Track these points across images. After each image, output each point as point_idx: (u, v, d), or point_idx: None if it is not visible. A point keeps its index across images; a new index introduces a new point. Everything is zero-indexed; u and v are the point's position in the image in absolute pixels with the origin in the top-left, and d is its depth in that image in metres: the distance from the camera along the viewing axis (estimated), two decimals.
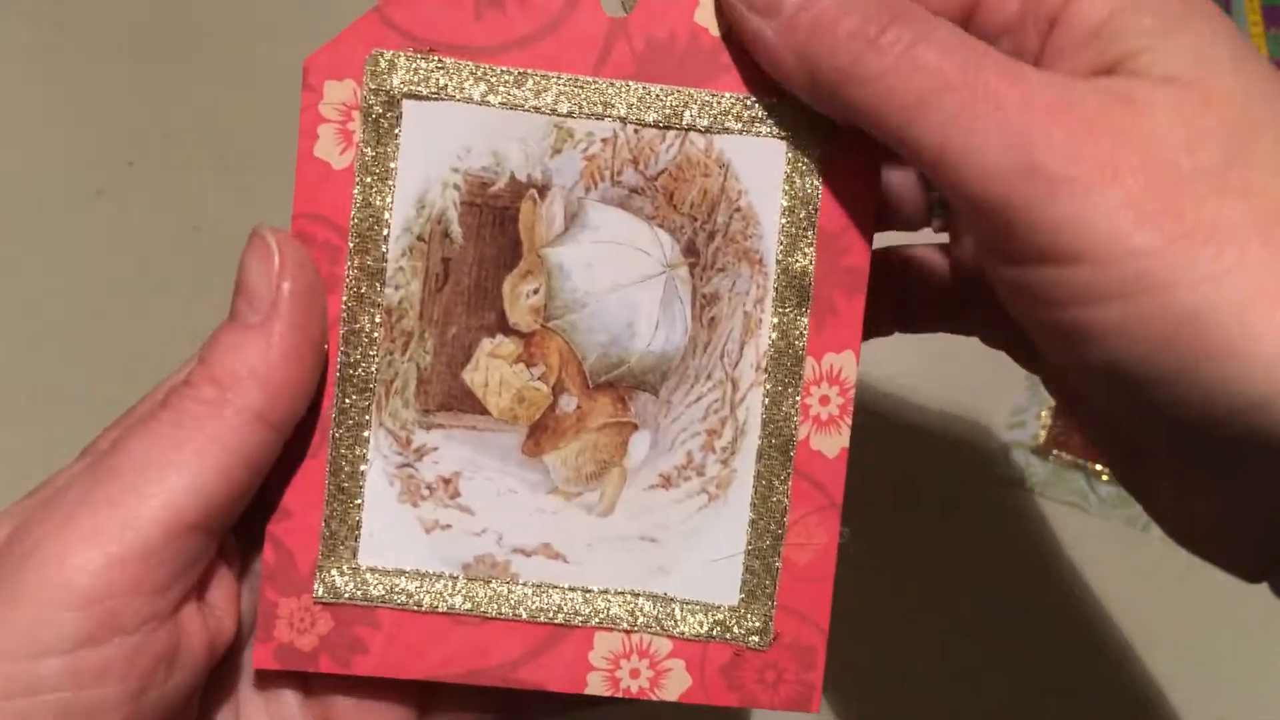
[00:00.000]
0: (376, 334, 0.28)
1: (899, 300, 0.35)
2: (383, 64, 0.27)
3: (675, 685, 0.29)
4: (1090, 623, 0.48)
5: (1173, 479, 0.27)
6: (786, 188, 0.28)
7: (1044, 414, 0.50)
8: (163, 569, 0.24)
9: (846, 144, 0.28)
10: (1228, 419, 0.22)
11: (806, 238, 0.28)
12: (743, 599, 0.29)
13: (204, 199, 0.51)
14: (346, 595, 0.28)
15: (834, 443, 0.28)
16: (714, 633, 0.28)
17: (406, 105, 0.27)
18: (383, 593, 0.28)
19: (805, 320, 0.28)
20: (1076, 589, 0.48)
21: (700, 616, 0.28)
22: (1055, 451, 0.49)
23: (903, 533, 0.48)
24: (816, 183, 0.28)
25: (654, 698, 0.28)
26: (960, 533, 0.48)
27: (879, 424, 0.50)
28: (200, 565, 0.26)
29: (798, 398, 0.28)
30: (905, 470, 0.49)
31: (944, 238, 0.35)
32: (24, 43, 0.52)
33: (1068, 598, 0.48)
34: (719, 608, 0.29)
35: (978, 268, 0.31)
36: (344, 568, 0.28)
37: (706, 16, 0.27)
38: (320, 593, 0.28)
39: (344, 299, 0.27)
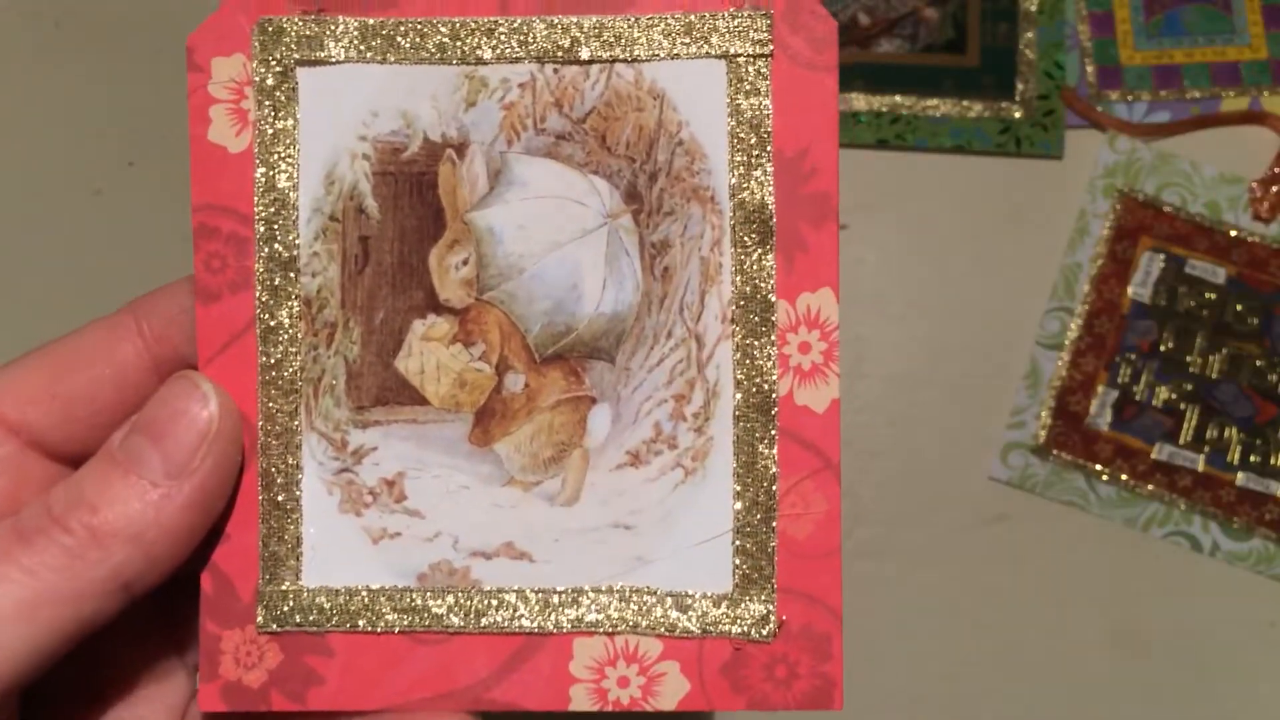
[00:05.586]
0: (297, 329, 0.25)
1: None
2: (270, 31, 0.25)
3: (672, 692, 0.25)
4: (1089, 622, 0.48)
5: None
6: (731, 112, 0.25)
7: (1044, 414, 0.49)
8: None
9: (793, 54, 0.24)
10: None
11: (761, 166, 0.25)
12: (737, 584, 0.25)
13: None
14: (294, 622, 0.25)
15: (822, 395, 0.25)
16: (709, 627, 0.25)
17: (301, 74, 0.25)
18: (332, 615, 0.25)
19: (771, 259, 0.25)
20: (1076, 589, 0.48)
21: (691, 610, 0.25)
22: (1055, 451, 0.49)
23: (902, 533, 0.48)
24: (765, 102, 0.24)
25: (649, 708, 0.25)
26: (960, 533, 0.48)
27: (879, 423, 0.49)
28: None
29: (773, 348, 0.25)
30: (905, 470, 0.49)
31: None
32: (24, 43, 0.53)
33: (1067, 597, 0.48)
34: (711, 597, 0.25)
35: None
36: (288, 591, 0.25)
37: None
38: (264, 621, 0.25)
39: (257, 294, 0.25)
